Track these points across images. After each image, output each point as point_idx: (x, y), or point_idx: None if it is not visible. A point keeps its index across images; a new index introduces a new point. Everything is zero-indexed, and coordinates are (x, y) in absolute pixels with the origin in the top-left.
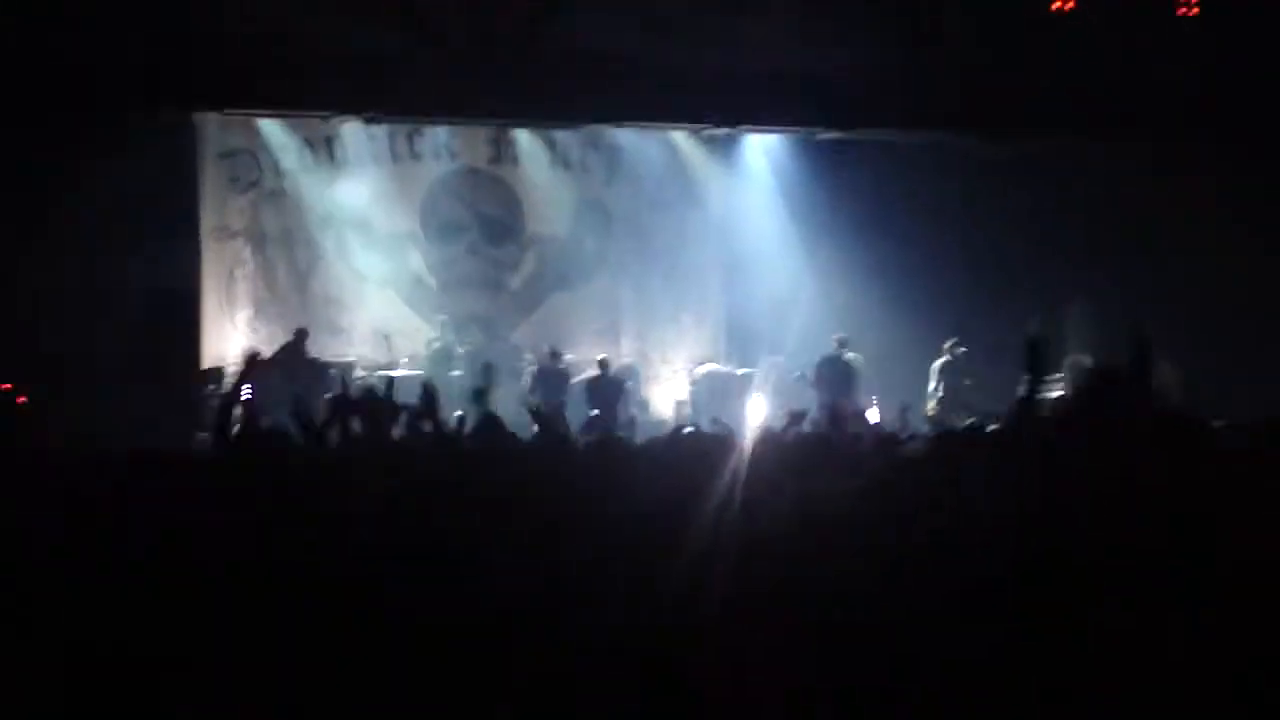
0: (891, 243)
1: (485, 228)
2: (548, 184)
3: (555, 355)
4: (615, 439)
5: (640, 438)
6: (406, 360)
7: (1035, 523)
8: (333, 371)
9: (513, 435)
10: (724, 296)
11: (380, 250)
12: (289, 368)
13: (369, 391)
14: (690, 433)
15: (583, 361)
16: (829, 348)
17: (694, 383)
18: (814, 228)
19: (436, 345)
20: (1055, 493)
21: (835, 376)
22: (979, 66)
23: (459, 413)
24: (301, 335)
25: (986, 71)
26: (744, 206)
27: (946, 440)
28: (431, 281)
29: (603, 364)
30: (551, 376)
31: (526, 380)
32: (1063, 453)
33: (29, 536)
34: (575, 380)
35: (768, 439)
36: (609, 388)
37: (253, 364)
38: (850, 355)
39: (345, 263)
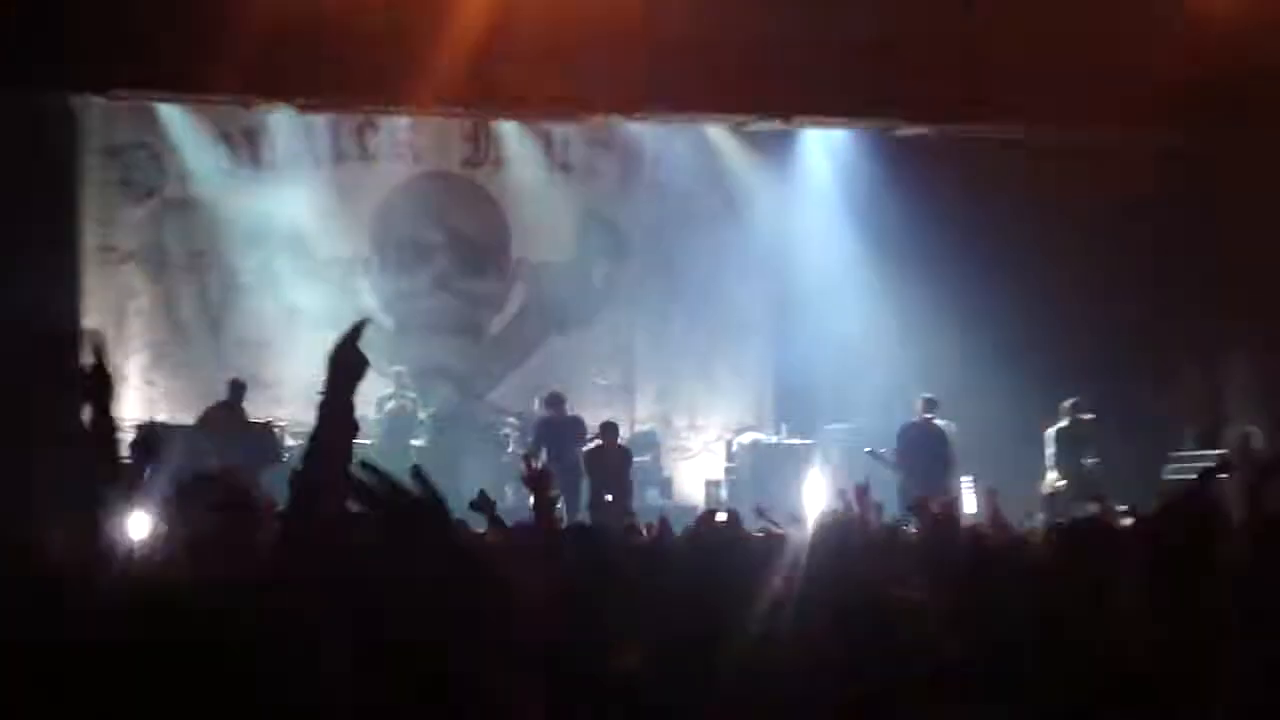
0: (997, 275)
1: (458, 252)
2: (542, 194)
3: (557, 402)
4: (614, 533)
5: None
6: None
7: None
8: (286, 441)
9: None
10: (772, 343)
11: (319, 280)
12: (220, 435)
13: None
14: (724, 526)
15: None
16: (912, 413)
17: (731, 457)
18: (892, 254)
19: (391, 405)
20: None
21: (922, 451)
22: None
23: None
24: (238, 391)
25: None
26: (800, 224)
27: (1074, 535)
28: (387, 322)
29: (607, 430)
30: (558, 429)
31: (512, 443)
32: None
33: None
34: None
35: (833, 536)
36: (614, 461)
37: (149, 439)
38: (942, 423)
39: (273, 295)
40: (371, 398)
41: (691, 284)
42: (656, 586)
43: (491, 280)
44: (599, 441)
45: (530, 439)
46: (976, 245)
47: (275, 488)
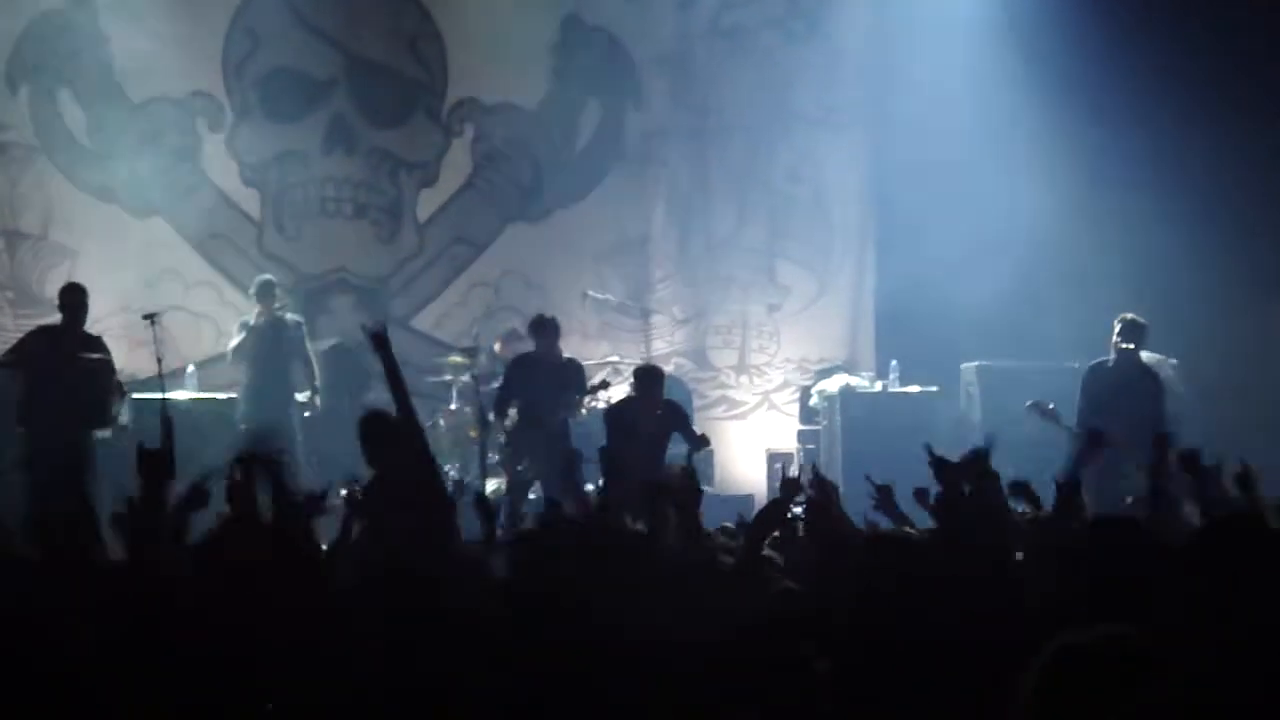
0: (1241, 147)
1: (364, 90)
2: None
3: (546, 330)
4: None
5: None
6: (193, 369)
7: None
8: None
9: None
10: (873, 238)
11: (140, 135)
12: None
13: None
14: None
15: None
16: (1103, 347)
17: (809, 415)
18: (1070, 106)
19: (256, 336)
20: None
21: (1120, 402)
22: None
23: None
24: (75, 299)
25: None
26: (916, 52)
27: None
28: (249, 203)
29: (645, 378)
30: (541, 374)
31: (456, 398)
32: None
33: None
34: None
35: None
36: (656, 425)
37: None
38: (1153, 358)
39: (61, 167)
40: (230, 323)
41: (739, 143)
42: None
43: (417, 134)
44: (632, 394)
45: (491, 392)
46: (1212, 102)
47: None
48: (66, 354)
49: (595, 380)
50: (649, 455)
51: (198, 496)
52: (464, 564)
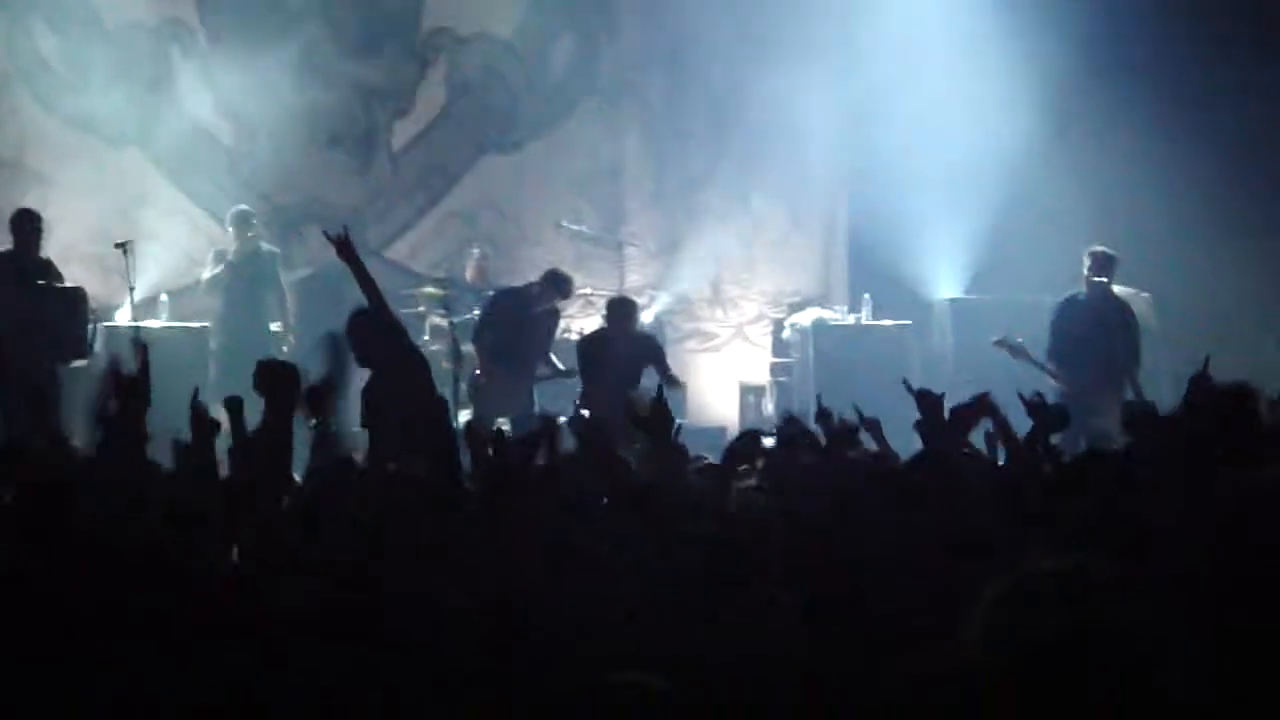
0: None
1: (338, 16)
2: None
3: (611, 311)
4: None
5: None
6: (166, 298)
7: None
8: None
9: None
10: (847, 169)
11: (114, 63)
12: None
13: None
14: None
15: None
16: (1076, 279)
17: (782, 348)
18: (1042, 40)
19: (227, 267)
20: None
21: (1091, 337)
22: None
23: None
24: (31, 224)
25: None
26: None
27: None
28: (222, 131)
29: (618, 309)
30: (513, 310)
31: (428, 330)
32: None
33: None
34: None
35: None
36: (630, 358)
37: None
38: (1125, 291)
39: (36, 94)
40: (204, 255)
41: (716, 74)
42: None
43: (392, 64)
44: (603, 326)
45: (463, 321)
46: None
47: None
48: (28, 280)
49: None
50: (621, 387)
51: (206, 423)
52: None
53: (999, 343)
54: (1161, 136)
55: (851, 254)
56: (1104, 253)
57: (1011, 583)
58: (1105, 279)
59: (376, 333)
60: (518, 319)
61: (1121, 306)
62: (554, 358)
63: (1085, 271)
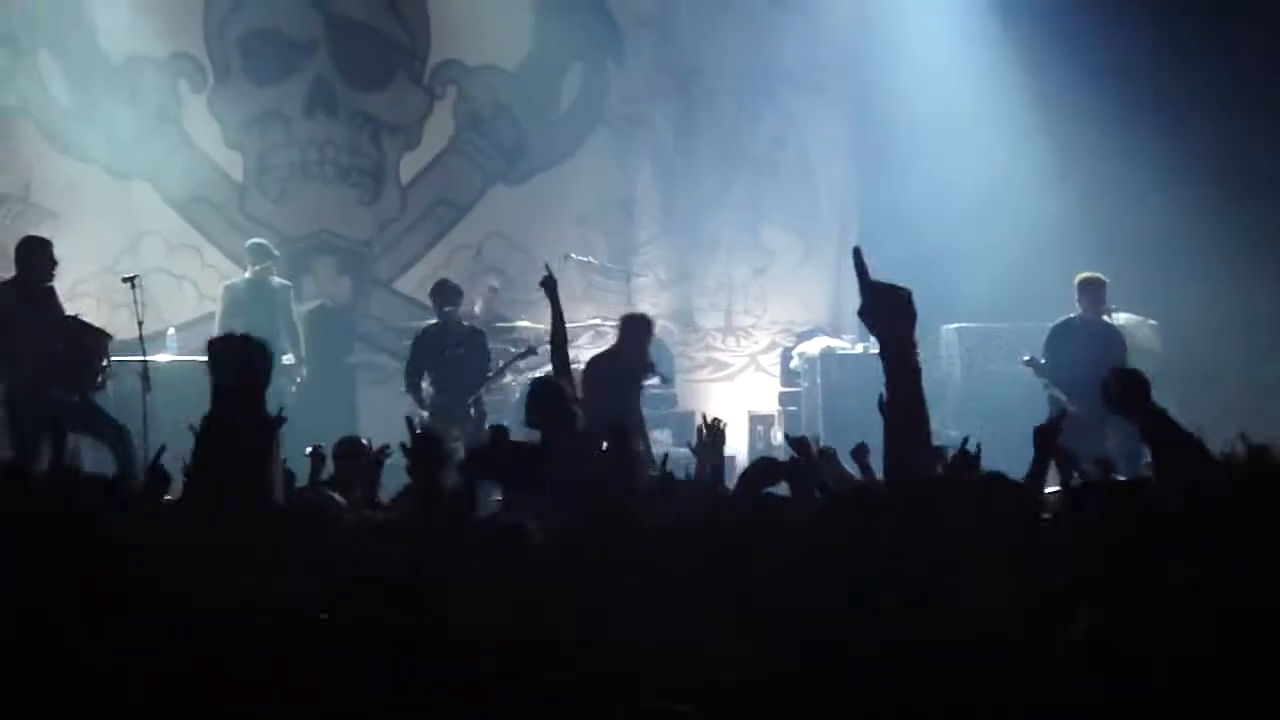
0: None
1: (346, 52)
2: None
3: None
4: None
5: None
6: (174, 332)
7: None
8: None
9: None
10: (856, 199)
11: (121, 97)
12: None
13: None
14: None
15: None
16: (1070, 304)
17: (790, 376)
18: (1047, 68)
19: (236, 298)
20: None
21: (1081, 364)
22: None
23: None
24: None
25: None
26: (899, 14)
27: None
28: (233, 166)
29: (631, 327)
30: (427, 341)
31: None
32: None
33: None
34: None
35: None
36: (608, 379)
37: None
38: (1120, 318)
39: (43, 129)
40: (214, 287)
41: (723, 105)
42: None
43: (399, 96)
44: (618, 345)
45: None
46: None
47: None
48: (32, 307)
49: (520, 349)
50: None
51: (159, 479)
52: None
53: (1029, 362)
54: (1166, 165)
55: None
56: (1091, 277)
57: None
58: (1095, 302)
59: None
60: (438, 350)
61: (1114, 331)
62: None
63: (1077, 296)
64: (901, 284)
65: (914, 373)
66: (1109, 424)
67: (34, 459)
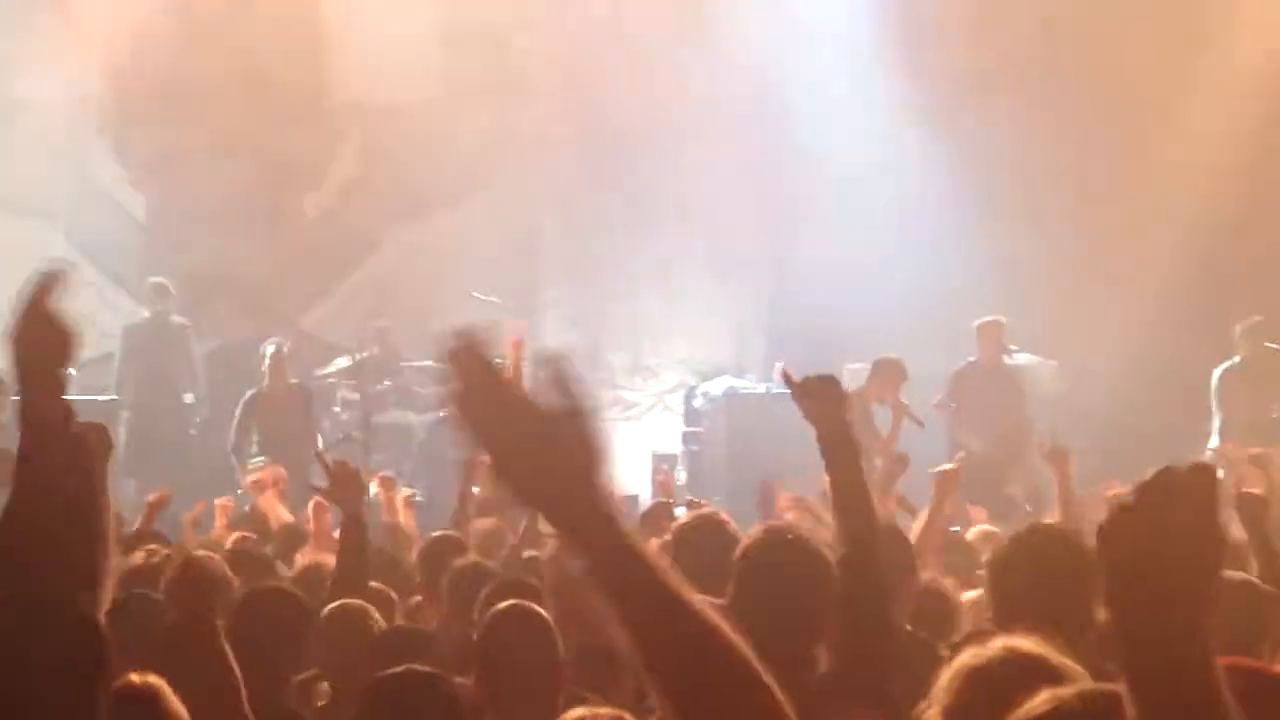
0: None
1: (250, 92)
2: None
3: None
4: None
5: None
6: (73, 371)
7: None
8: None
9: None
10: (765, 238)
11: (26, 136)
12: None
13: None
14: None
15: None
16: (970, 348)
17: (694, 417)
18: (955, 100)
19: (141, 339)
20: None
21: (991, 401)
22: None
23: None
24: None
25: None
26: (810, 56)
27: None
28: (137, 207)
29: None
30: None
31: (340, 402)
32: None
33: None
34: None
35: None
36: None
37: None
38: (1021, 360)
39: None
40: (114, 328)
41: (632, 143)
42: None
43: (304, 136)
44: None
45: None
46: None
47: None
48: None
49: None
50: None
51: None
52: None
53: (939, 404)
54: (1073, 197)
55: (772, 319)
56: (990, 321)
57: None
58: (994, 346)
59: None
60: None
61: (1012, 375)
62: None
63: (977, 340)
64: (822, 371)
65: (854, 448)
66: (1012, 466)
67: None
